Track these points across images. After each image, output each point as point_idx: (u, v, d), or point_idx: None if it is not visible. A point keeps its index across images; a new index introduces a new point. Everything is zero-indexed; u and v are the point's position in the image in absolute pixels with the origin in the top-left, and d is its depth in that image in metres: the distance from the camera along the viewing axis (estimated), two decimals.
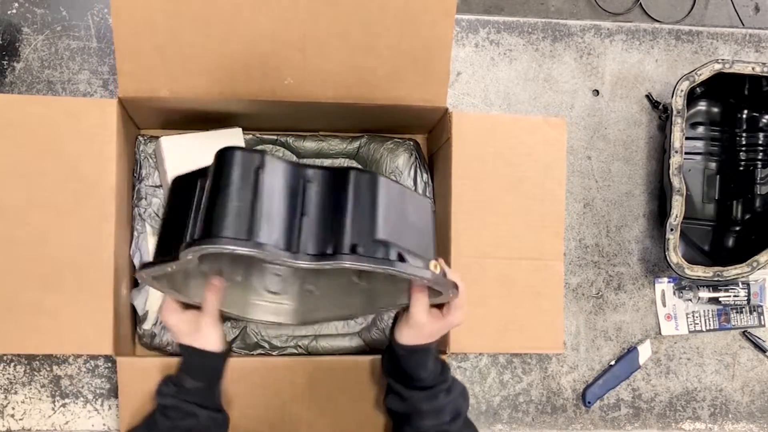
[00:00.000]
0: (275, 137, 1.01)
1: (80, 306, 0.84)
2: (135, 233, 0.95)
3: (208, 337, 0.78)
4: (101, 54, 1.04)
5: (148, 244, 0.95)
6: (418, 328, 0.75)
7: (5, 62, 1.02)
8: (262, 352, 0.99)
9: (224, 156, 0.66)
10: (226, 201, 0.64)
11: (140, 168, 0.97)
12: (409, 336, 0.77)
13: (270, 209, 0.65)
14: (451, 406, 0.80)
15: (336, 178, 0.69)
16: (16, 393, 0.99)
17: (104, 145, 0.85)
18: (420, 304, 0.75)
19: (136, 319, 0.96)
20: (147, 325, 0.95)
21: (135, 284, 0.96)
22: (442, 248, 0.96)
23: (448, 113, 0.94)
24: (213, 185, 0.66)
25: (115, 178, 0.86)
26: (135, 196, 0.96)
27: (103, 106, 0.86)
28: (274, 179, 0.66)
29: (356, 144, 1.03)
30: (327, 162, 1.03)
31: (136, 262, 0.94)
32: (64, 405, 1.00)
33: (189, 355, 0.78)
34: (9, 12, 1.02)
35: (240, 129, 0.96)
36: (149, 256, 0.94)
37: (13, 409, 0.99)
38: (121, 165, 0.89)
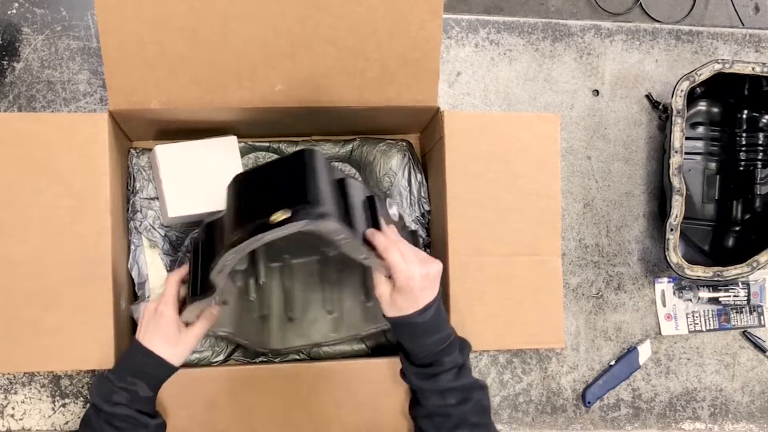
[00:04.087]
0: (267, 144, 1.01)
1: (80, 322, 0.84)
2: (132, 247, 0.95)
3: (182, 355, 0.80)
4: (101, 54, 1.03)
5: (145, 257, 0.95)
6: (384, 301, 0.80)
7: (5, 62, 1.02)
8: (264, 359, 0.98)
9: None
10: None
11: (134, 181, 0.96)
12: (385, 309, 0.81)
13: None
14: (459, 392, 0.81)
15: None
16: (16, 393, 0.99)
17: (97, 160, 0.85)
18: (376, 278, 0.80)
19: (137, 332, 0.96)
20: None
21: (135, 298, 0.96)
22: (439, 247, 0.96)
23: (439, 112, 0.94)
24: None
25: (109, 192, 0.85)
26: (130, 209, 0.96)
27: (95, 120, 0.86)
28: None
29: (349, 147, 1.03)
30: None
31: (134, 275, 0.94)
32: (64, 405, 1.00)
33: (152, 365, 0.78)
34: (9, 12, 1.03)
35: (235, 137, 0.96)
36: (147, 269, 0.95)
37: (13, 409, 0.99)
38: (115, 179, 0.89)
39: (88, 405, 0.78)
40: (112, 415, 0.76)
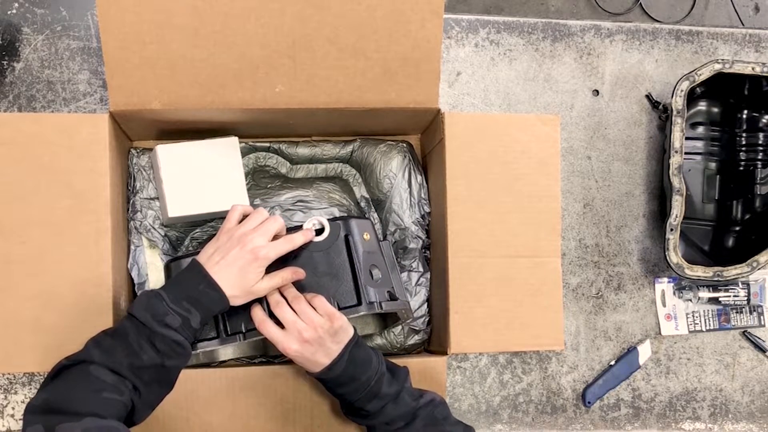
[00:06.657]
0: (268, 144, 1.01)
1: (80, 322, 0.84)
2: (131, 246, 0.95)
3: (242, 301, 0.78)
4: (101, 54, 1.03)
5: (144, 257, 0.95)
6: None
7: (5, 62, 1.02)
8: (264, 360, 0.98)
9: None
10: None
11: (134, 181, 0.96)
12: None
13: None
14: (402, 418, 0.81)
15: None
16: (16, 393, 0.99)
17: (97, 160, 0.85)
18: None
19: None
20: None
21: (134, 298, 0.95)
22: (439, 249, 0.96)
23: (440, 114, 0.93)
24: None
25: (109, 192, 0.85)
26: (130, 209, 0.95)
27: (95, 120, 0.86)
28: None
29: (349, 148, 1.02)
30: (321, 167, 1.03)
31: (134, 275, 0.94)
32: None
33: (215, 299, 0.75)
34: (9, 12, 1.03)
35: (236, 138, 0.96)
36: (146, 269, 0.94)
37: (13, 409, 0.99)
38: (115, 179, 0.89)
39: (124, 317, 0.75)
40: (159, 336, 0.72)
